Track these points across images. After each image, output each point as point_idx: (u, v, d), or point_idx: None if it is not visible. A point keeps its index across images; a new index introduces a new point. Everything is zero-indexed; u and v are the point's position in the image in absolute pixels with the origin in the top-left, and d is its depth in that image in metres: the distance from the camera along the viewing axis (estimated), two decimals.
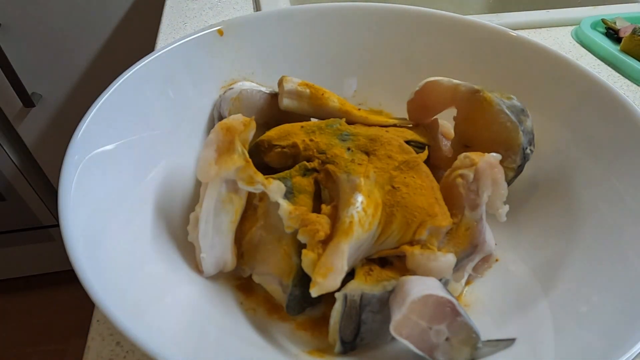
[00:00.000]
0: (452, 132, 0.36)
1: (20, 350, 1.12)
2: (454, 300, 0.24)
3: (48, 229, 1.13)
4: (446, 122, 0.37)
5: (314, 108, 0.35)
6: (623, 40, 0.54)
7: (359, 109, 0.36)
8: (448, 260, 0.26)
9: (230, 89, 0.37)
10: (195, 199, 0.31)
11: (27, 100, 0.89)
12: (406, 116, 0.37)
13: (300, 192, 0.29)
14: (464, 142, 0.34)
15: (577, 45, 0.57)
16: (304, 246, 0.26)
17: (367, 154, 0.30)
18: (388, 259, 0.28)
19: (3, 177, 0.99)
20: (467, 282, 0.31)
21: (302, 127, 0.33)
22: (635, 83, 0.51)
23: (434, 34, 0.40)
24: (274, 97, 0.37)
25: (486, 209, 0.29)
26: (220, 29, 0.38)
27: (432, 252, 0.26)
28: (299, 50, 0.41)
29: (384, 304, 0.26)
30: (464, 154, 0.29)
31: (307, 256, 0.25)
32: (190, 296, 0.27)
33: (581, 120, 0.34)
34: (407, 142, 0.32)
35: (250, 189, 0.27)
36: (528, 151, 0.32)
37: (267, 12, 0.40)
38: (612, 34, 0.57)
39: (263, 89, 0.37)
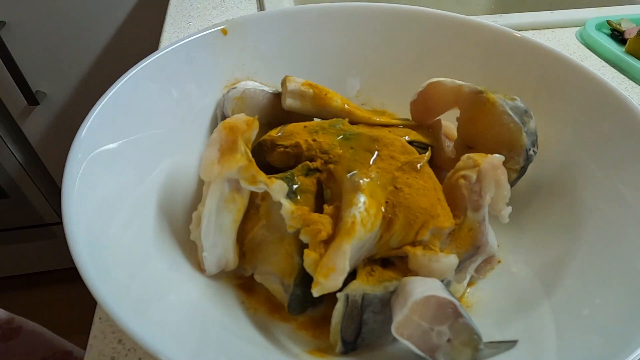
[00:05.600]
0: (455, 133, 0.36)
1: None
2: (455, 301, 0.24)
3: (51, 226, 1.14)
4: (449, 123, 0.36)
5: (317, 108, 0.35)
6: (628, 42, 0.54)
7: (362, 109, 0.36)
8: (450, 261, 0.26)
9: (233, 88, 0.37)
10: (197, 198, 0.31)
11: (32, 99, 0.89)
12: (409, 117, 0.37)
13: (303, 192, 0.29)
14: (467, 143, 0.34)
15: (582, 46, 0.57)
16: (306, 246, 0.26)
17: (370, 154, 0.30)
18: (390, 260, 0.28)
19: (7, 174, 0.99)
20: (469, 284, 0.31)
21: (305, 127, 0.33)
22: None
23: (438, 34, 0.40)
24: (277, 96, 0.37)
25: (489, 210, 0.29)
26: (224, 28, 0.38)
27: (435, 253, 0.26)
28: (303, 50, 0.41)
29: (385, 305, 0.26)
30: (467, 155, 0.29)
31: (309, 256, 0.25)
32: (192, 295, 0.27)
33: (585, 121, 0.34)
34: (410, 143, 0.32)
35: (253, 188, 0.27)
36: (531, 152, 0.32)
37: (270, 11, 0.40)
38: (617, 35, 0.57)
39: (266, 88, 0.37)
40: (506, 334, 0.26)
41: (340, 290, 0.25)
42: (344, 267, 0.24)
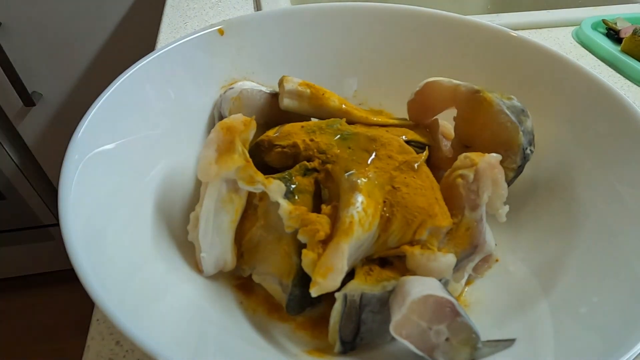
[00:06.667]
0: (452, 133, 0.36)
1: (20, 349, 1.12)
2: (454, 300, 0.24)
3: (48, 228, 1.13)
4: (446, 122, 0.37)
5: (314, 108, 0.35)
6: (624, 41, 0.54)
7: (360, 109, 0.36)
8: (448, 261, 0.26)
9: (230, 88, 0.37)
10: (195, 199, 0.31)
11: (28, 99, 0.89)
12: (406, 116, 0.37)
13: (301, 192, 0.29)
14: (464, 143, 0.34)
15: (578, 45, 0.57)
16: (304, 246, 0.26)
17: (368, 154, 0.30)
18: (388, 259, 0.28)
19: (3, 176, 0.99)
20: (467, 283, 0.31)
21: (302, 127, 0.33)
22: (635, 84, 0.51)
23: (435, 34, 0.40)
24: (274, 96, 0.37)
25: (486, 209, 0.29)
26: (220, 28, 0.38)
27: (432, 252, 0.26)
28: (300, 50, 0.40)
29: (383, 304, 0.26)
30: (464, 154, 0.29)
31: (307, 256, 0.25)
32: (190, 296, 0.27)
33: (581, 120, 0.34)
34: (408, 142, 0.32)
35: (251, 188, 0.27)
36: (528, 151, 0.32)
37: (267, 11, 0.40)
38: (613, 34, 0.57)
39: (263, 88, 0.37)
40: (504, 332, 0.26)
41: (339, 290, 0.25)
42: (342, 267, 0.24)
